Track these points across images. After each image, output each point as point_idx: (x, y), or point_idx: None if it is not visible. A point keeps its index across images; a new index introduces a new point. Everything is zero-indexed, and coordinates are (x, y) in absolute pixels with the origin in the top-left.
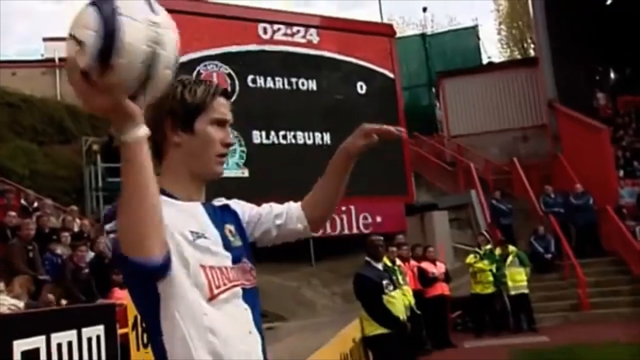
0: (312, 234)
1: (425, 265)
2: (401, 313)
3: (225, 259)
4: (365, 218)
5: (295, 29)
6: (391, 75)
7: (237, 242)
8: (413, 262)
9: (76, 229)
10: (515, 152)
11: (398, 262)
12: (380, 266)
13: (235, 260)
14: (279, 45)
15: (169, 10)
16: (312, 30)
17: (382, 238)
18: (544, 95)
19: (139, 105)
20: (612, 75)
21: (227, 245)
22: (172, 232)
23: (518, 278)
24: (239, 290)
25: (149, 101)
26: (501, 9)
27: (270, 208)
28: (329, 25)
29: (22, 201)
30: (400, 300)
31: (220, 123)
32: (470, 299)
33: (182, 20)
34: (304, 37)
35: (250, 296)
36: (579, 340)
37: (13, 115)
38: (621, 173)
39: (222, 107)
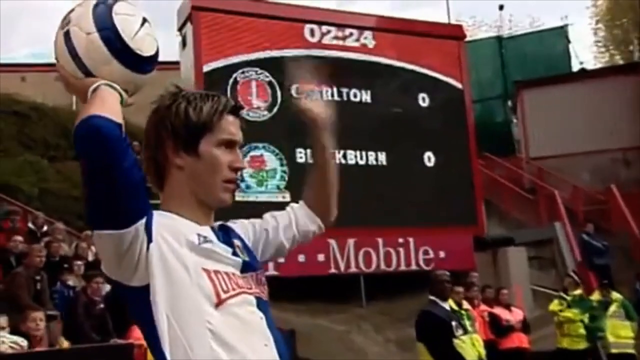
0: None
1: (499, 311)
2: (473, 358)
3: (233, 265)
4: (426, 252)
5: (347, 31)
6: (459, 85)
7: (245, 257)
8: (483, 307)
9: (91, 257)
10: (613, 178)
11: (466, 305)
12: (447, 306)
13: (245, 270)
14: (329, 49)
15: (201, 9)
16: (367, 33)
17: (448, 273)
18: None
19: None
20: None
21: (235, 254)
22: (174, 236)
23: (623, 334)
24: (251, 298)
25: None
26: (599, 5)
27: (276, 221)
28: (387, 27)
29: (30, 224)
30: (470, 347)
31: (229, 144)
32: (555, 354)
33: (214, 19)
34: (357, 40)
35: (265, 307)
36: None
37: (21, 126)
38: None
39: (232, 126)
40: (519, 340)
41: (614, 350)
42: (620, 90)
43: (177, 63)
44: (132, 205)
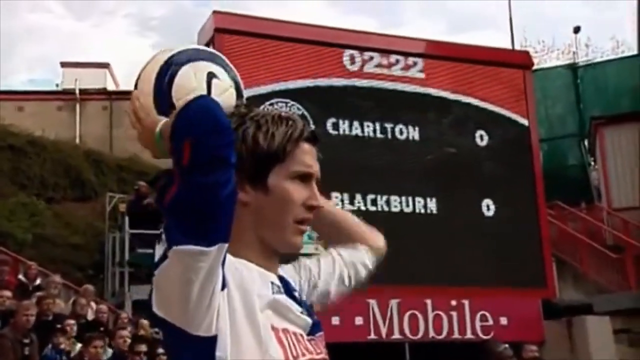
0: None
1: None
2: None
3: (301, 326)
4: (484, 319)
5: (393, 58)
6: (525, 121)
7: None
8: None
9: (90, 316)
10: None
11: None
12: None
13: (312, 332)
14: (371, 79)
15: (225, 31)
16: (416, 60)
17: (507, 346)
18: None
19: None
20: None
21: (306, 311)
22: (245, 284)
23: None
24: None
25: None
26: None
27: (318, 264)
28: (439, 54)
29: (21, 276)
30: None
31: (304, 178)
32: None
33: (240, 44)
34: (404, 69)
35: None
36: None
37: (16, 162)
38: None
39: (307, 157)
40: None
41: None
42: None
43: None
44: (228, 218)
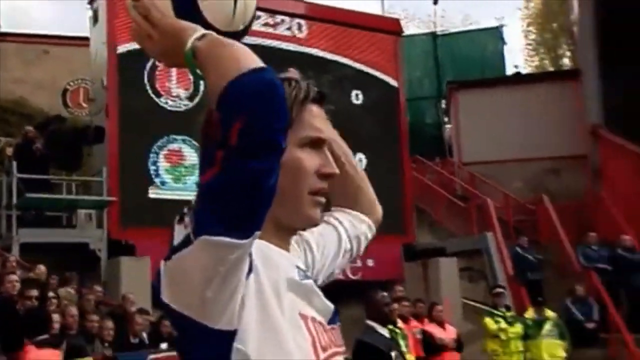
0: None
1: (432, 328)
2: None
3: (324, 313)
4: (353, 261)
5: (278, 18)
6: (395, 83)
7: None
8: (415, 323)
9: None
10: (543, 188)
11: (400, 323)
12: (386, 332)
13: (332, 320)
14: (257, 37)
15: None
16: (300, 22)
17: (386, 295)
18: (586, 118)
19: None
20: None
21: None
22: (272, 267)
23: (557, 353)
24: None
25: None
26: (531, 7)
27: (322, 239)
28: (320, 16)
29: None
30: None
31: (315, 144)
32: None
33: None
34: (288, 29)
35: None
36: None
37: None
38: None
39: (317, 120)
40: (451, 358)
41: None
42: (554, 97)
43: (87, 39)
44: (267, 208)
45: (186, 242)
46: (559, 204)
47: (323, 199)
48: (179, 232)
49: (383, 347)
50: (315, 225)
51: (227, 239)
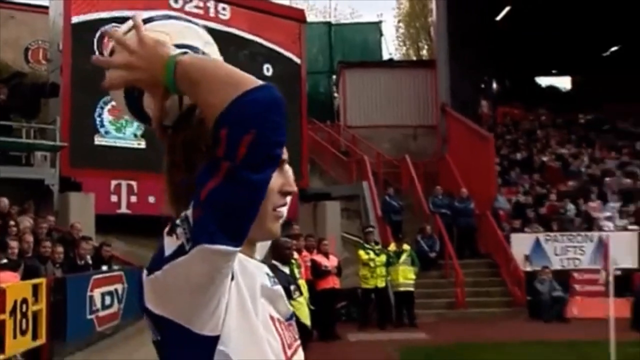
0: None
1: (319, 257)
2: (307, 319)
3: (286, 314)
4: None
5: (208, 3)
6: (298, 60)
7: None
8: (305, 253)
9: None
10: (405, 149)
11: (295, 255)
12: (287, 270)
13: (290, 317)
14: (189, 16)
15: None
16: (224, 6)
17: (289, 240)
18: (437, 97)
19: None
20: (494, 85)
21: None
22: (247, 275)
23: (409, 276)
24: (302, 354)
25: None
26: (402, 7)
27: None
28: (241, 3)
29: None
30: (304, 305)
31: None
32: (357, 291)
33: None
34: (215, 11)
35: None
36: (455, 337)
37: None
38: (499, 181)
39: None
40: (333, 282)
41: (400, 289)
42: (416, 79)
43: (47, 8)
44: (257, 215)
45: (179, 252)
46: (417, 162)
47: (283, 212)
48: (170, 243)
49: (285, 282)
50: (275, 237)
51: (227, 247)
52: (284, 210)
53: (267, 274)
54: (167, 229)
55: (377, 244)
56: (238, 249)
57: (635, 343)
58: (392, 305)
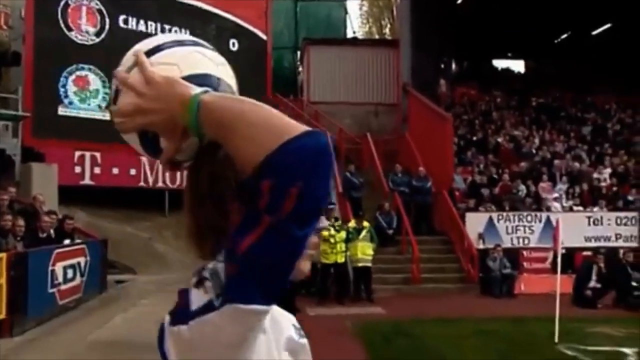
0: None
1: None
2: None
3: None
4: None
5: None
6: (264, 36)
7: None
8: None
9: None
10: (367, 126)
11: None
12: None
13: None
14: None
15: None
16: None
17: None
18: (400, 76)
19: None
20: (453, 66)
21: None
22: (274, 325)
23: (368, 252)
24: None
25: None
26: None
27: None
28: None
29: None
30: None
31: None
32: (317, 266)
33: None
34: None
35: None
36: (410, 311)
37: None
38: (455, 160)
39: None
40: None
41: (359, 265)
42: (380, 58)
43: None
44: (294, 265)
45: (208, 308)
46: (377, 139)
47: (313, 252)
48: (198, 296)
49: None
50: (305, 277)
51: (261, 307)
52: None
53: (294, 325)
54: (194, 281)
55: (337, 220)
56: (271, 306)
57: (575, 318)
58: (351, 280)
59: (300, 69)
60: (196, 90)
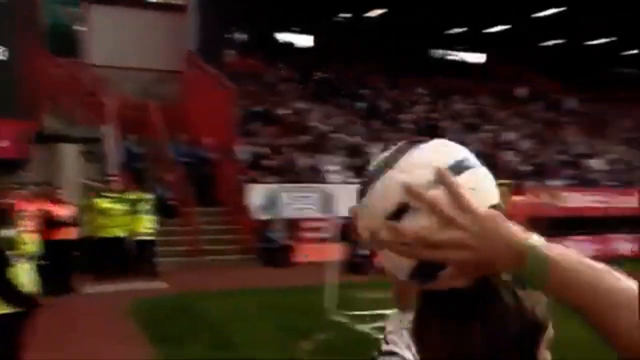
0: None
1: (52, 208)
2: (32, 285)
3: None
4: None
5: None
6: None
7: None
8: (38, 203)
9: None
10: (149, 94)
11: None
12: (11, 232)
13: None
14: None
15: None
16: None
17: (10, 202)
18: (185, 44)
19: None
20: (240, 37)
21: None
22: None
23: (148, 225)
24: None
25: None
26: None
27: None
28: None
29: None
30: (28, 270)
31: None
32: (93, 240)
33: None
34: None
35: None
36: (192, 285)
37: None
38: (238, 131)
39: None
40: (67, 233)
41: (140, 238)
42: (166, 23)
43: None
44: None
45: None
46: (161, 107)
47: None
48: None
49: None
50: None
51: None
52: None
53: None
54: None
55: (117, 191)
56: None
57: (348, 285)
58: (133, 255)
59: (81, 27)
60: (531, 237)
